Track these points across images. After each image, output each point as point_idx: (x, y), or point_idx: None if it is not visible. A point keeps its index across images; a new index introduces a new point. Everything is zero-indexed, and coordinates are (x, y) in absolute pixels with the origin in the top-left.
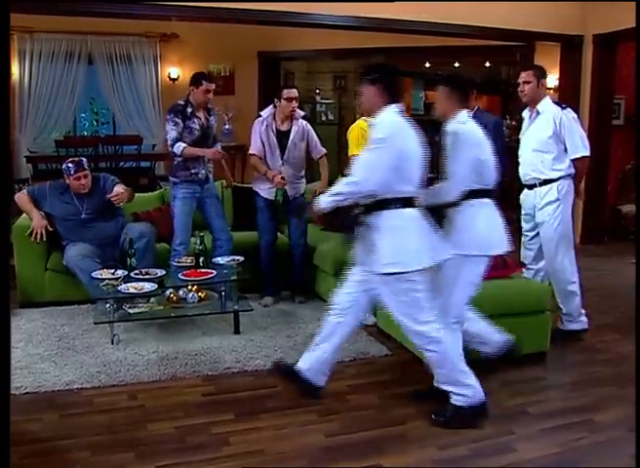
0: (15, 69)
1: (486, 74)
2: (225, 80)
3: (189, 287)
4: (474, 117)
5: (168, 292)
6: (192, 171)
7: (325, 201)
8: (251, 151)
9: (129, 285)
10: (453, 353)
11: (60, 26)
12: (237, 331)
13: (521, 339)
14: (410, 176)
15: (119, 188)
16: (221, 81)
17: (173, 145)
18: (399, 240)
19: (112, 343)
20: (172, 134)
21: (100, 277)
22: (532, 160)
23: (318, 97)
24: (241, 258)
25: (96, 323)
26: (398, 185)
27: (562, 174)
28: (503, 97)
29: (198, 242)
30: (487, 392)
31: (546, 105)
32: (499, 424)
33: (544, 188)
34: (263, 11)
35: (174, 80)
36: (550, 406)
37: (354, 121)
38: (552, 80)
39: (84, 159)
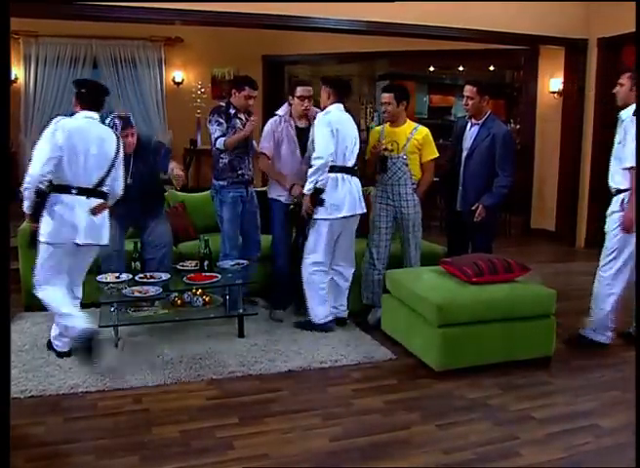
0: (20, 73)
1: (490, 78)
2: (230, 84)
3: (194, 290)
4: (483, 124)
5: (172, 296)
6: (239, 171)
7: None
8: (261, 150)
9: (133, 288)
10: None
11: (65, 31)
12: (242, 335)
13: (526, 344)
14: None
15: (177, 169)
16: (226, 85)
17: (215, 143)
18: None
19: (116, 347)
20: (216, 133)
21: (104, 280)
22: (611, 168)
23: None
24: (245, 262)
25: (100, 326)
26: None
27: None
28: (508, 101)
29: (203, 245)
30: (487, 396)
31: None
32: (503, 429)
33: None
34: (267, 15)
35: (178, 84)
36: (555, 410)
37: (359, 125)
38: (557, 84)
39: (130, 114)
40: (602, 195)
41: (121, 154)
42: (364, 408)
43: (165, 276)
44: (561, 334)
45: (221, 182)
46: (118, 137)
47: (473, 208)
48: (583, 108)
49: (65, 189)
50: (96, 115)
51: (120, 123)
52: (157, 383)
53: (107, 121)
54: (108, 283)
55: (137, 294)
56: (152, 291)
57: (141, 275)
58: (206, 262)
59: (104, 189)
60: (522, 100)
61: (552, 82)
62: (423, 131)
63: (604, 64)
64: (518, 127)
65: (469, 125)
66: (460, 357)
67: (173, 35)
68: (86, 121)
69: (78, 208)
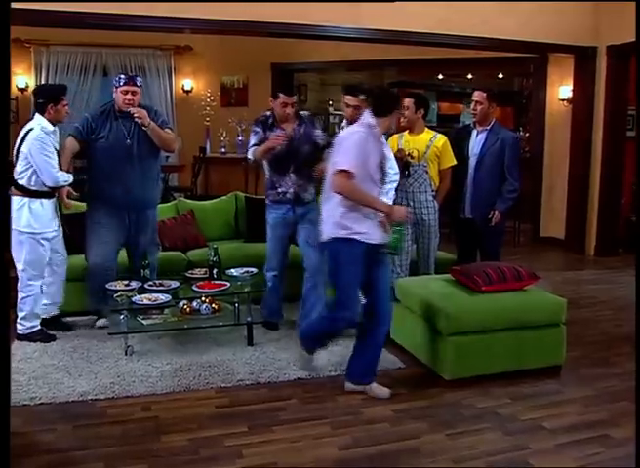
0: (31, 82)
1: (499, 86)
2: (239, 92)
3: (203, 298)
4: (491, 130)
5: (182, 304)
6: (279, 190)
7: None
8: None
9: (143, 296)
10: None
11: (75, 39)
12: (250, 343)
13: (536, 352)
14: None
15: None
16: (235, 93)
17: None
18: None
19: (126, 354)
20: (250, 142)
21: (114, 288)
22: None
23: (331, 109)
24: (254, 270)
25: (110, 334)
26: None
27: None
28: (516, 109)
29: (212, 253)
30: (497, 405)
31: None
32: (514, 438)
33: None
34: (277, 23)
35: (187, 92)
36: (566, 420)
37: None
38: (566, 91)
39: (138, 77)
40: (612, 202)
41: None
42: (373, 416)
43: (174, 284)
44: (571, 343)
45: (266, 200)
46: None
47: (490, 215)
48: (593, 116)
49: None
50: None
51: (124, 78)
52: (166, 391)
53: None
54: (118, 290)
55: (146, 302)
56: (162, 298)
57: (151, 283)
58: (215, 270)
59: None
60: (531, 108)
61: (561, 89)
62: (442, 138)
63: (614, 72)
64: (527, 134)
65: (475, 132)
66: (470, 366)
67: (182, 43)
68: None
69: None
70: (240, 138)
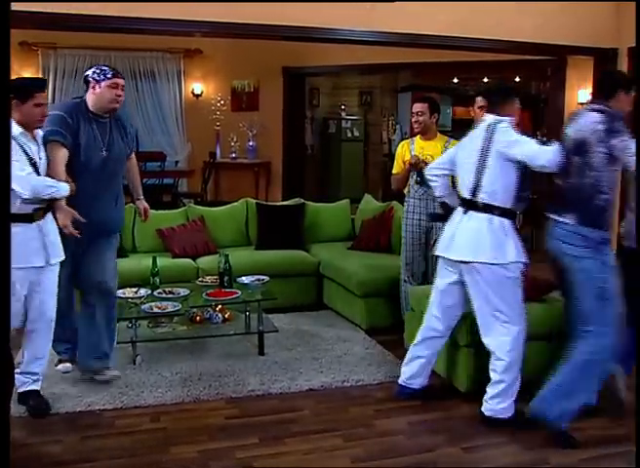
0: None
1: (516, 89)
2: (250, 96)
3: (213, 307)
4: None
5: (192, 312)
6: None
7: None
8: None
9: (152, 304)
10: None
11: (83, 42)
12: (262, 353)
13: (554, 364)
14: None
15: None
16: (245, 97)
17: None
18: None
19: (134, 364)
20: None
21: (123, 296)
22: None
23: (344, 114)
24: (266, 278)
25: (118, 342)
26: None
27: None
28: (534, 113)
29: (223, 261)
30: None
31: None
32: (534, 453)
33: None
34: (288, 26)
35: (197, 96)
36: (588, 434)
37: (381, 138)
38: (585, 95)
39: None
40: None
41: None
42: (387, 429)
43: (184, 292)
44: None
45: (599, 234)
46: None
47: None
48: None
49: None
50: None
51: (109, 70)
52: (175, 401)
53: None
54: (127, 298)
55: (155, 310)
56: (171, 307)
57: (160, 290)
58: (226, 278)
59: None
60: (549, 112)
61: (580, 93)
62: (456, 143)
63: (635, 74)
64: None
65: None
66: (487, 377)
67: (192, 47)
68: None
69: None
70: (251, 144)
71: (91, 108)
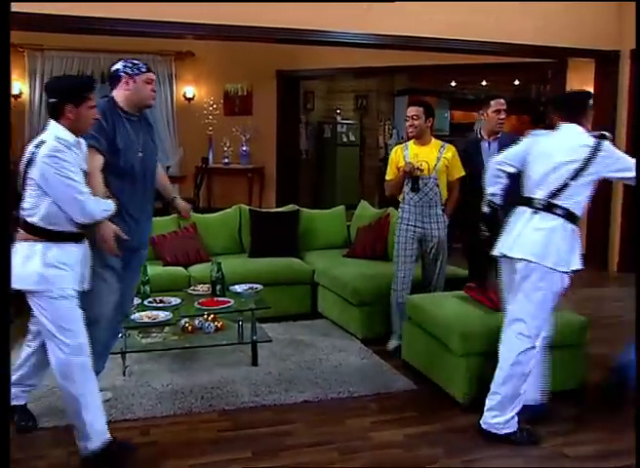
0: (25, 88)
1: (515, 93)
2: (243, 100)
3: (205, 316)
4: (504, 139)
5: (183, 322)
6: None
7: None
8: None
9: (142, 313)
10: None
11: (71, 44)
12: (255, 363)
13: (555, 374)
14: None
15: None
16: (239, 101)
17: None
18: None
19: (124, 375)
20: None
21: None
22: None
23: (339, 118)
24: (260, 287)
25: None
26: None
27: None
28: (533, 117)
29: (215, 269)
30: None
31: None
32: (534, 466)
33: None
34: (282, 28)
35: (189, 99)
36: (589, 448)
37: (377, 143)
38: None
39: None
40: (634, 215)
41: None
42: (384, 441)
43: (175, 301)
44: (593, 365)
45: None
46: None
47: None
48: (616, 124)
49: None
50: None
51: (143, 65)
52: (166, 414)
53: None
54: None
55: (145, 320)
56: (162, 316)
57: (151, 299)
58: (218, 286)
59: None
60: (548, 116)
61: None
62: (451, 149)
63: (637, 77)
64: None
65: (487, 144)
66: (486, 388)
67: (184, 49)
68: None
69: None
70: (244, 148)
71: (123, 106)
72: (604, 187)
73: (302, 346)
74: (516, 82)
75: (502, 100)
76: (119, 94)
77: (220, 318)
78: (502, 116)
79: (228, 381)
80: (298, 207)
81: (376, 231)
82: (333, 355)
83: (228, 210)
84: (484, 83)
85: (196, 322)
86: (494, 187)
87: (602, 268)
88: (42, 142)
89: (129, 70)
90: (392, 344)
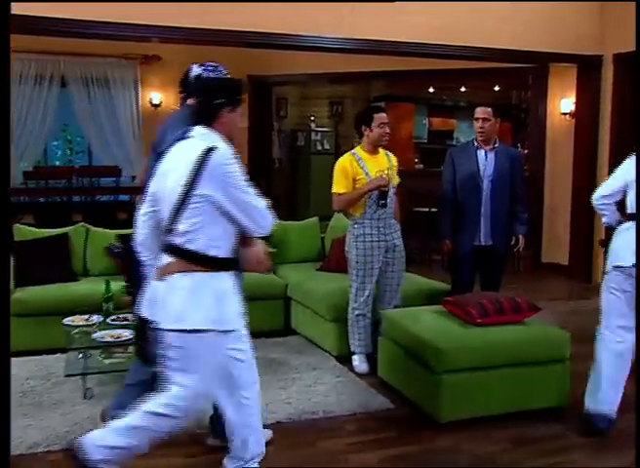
0: None
1: (495, 99)
2: None
3: None
4: (499, 149)
5: None
6: None
7: None
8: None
9: (104, 332)
10: None
11: (29, 46)
12: None
13: (538, 391)
14: None
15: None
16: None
17: None
18: None
19: (85, 398)
20: None
21: (72, 324)
22: None
23: (313, 125)
24: None
25: (67, 375)
26: None
27: None
28: (514, 124)
29: None
30: (498, 451)
31: None
32: None
33: None
34: (253, 32)
35: (156, 106)
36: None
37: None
38: (568, 104)
39: None
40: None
41: None
42: (360, 464)
43: None
44: (577, 381)
45: None
46: None
47: (513, 242)
48: (598, 130)
49: None
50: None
51: None
52: None
53: None
54: (77, 326)
55: (108, 339)
56: (126, 335)
57: (114, 317)
58: None
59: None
60: (530, 123)
61: (563, 102)
62: (393, 155)
63: (621, 83)
64: (526, 151)
65: (483, 153)
66: (466, 406)
67: (150, 53)
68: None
69: None
70: None
71: None
72: (588, 198)
73: (275, 365)
74: (496, 88)
75: (482, 108)
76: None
77: None
78: (479, 124)
79: None
80: None
81: None
82: (306, 373)
83: None
84: (463, 89)
85: None
86: (609, 219)
87: (586, 280)
88: (212, 149)
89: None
90: (363, 367)
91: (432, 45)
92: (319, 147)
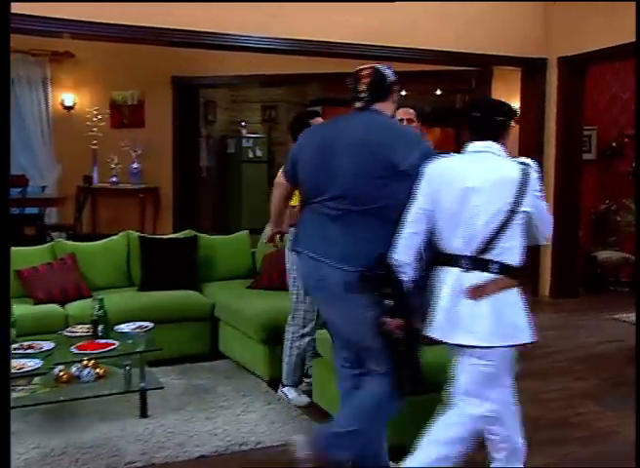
0: None
1: (437, 103)
2: (133, 110)
3: (85, 362)
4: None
5: (57, 370)
6: None
7: None
8: None
9: None
10: None
11: None
12: (144, 415)
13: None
14: None
15: None
16: (128, 111)
17: None
18: None
19: None
20: None
21: None
22: None
23: (244, 131)
24: (150, 325)
25: None
26: None
27: None
28: (457, 130)
29: (97, 306)
30: None
31: None
32: None
33: None
34: (177, 30)
35: (68, 108)
36: None
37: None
38: None
39: None
40: (568, 235)
41: None
42: None
43: (48, 345)
44: (524, 401)
45: None
46: None
47: None
48: (544, 136)
49: None
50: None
51: None
52: None
53: None
54: None
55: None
56: (30, 365)
57: (17, 345)
58: (100, 327)
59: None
60: None
61: None
62: None
63: (566, 87)
64: None
65: None
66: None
67: (61, 49)
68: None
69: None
70: (135, 166)
71: None
72: None
73: (201, 392)
74: (438, 92)
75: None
76: (389, 107)
77: (101, 364)
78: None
79: (111, 438)
80: (195, 232)
81: (284, 259)
82: (235, 401)
83: (114, 237)
84: (403, 93)
85: (73, 369)
86: None
87: (532, 294)
88: (527, 166)
89: (394, 78)
90: (302, 400)
91: (369, 46)
92: (250, 155)
